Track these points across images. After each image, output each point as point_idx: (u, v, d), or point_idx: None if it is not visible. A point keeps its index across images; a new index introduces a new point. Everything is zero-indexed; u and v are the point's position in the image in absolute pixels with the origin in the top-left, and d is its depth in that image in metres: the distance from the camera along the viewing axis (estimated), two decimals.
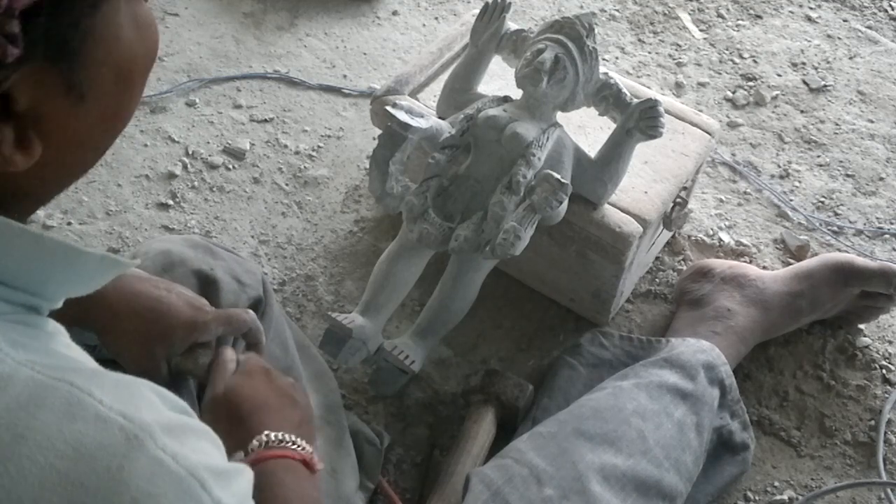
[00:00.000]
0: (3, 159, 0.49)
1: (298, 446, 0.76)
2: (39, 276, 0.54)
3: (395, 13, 1.82)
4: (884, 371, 1.29)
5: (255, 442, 0.74)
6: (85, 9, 0.49)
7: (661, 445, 1.05)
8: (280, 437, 0.75)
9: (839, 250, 1.42)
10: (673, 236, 1.43)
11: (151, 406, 0.50)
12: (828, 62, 1.75)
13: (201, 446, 0.51)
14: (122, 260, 0.58)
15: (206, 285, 0.94)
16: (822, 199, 1.51)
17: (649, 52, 1.76)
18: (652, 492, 1.02)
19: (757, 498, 1.17)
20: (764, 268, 1.36)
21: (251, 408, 0.78)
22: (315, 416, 0.91)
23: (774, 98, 1.67)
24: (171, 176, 1.50)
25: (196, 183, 1.49)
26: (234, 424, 0.77)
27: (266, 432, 0.75)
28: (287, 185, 1.50)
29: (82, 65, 0.51)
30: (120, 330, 0.82)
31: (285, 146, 1.56)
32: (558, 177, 1.09)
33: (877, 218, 1.49)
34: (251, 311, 0.88)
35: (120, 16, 0.52)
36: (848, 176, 1.55)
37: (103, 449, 0.46)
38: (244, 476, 0.53)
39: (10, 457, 0.45)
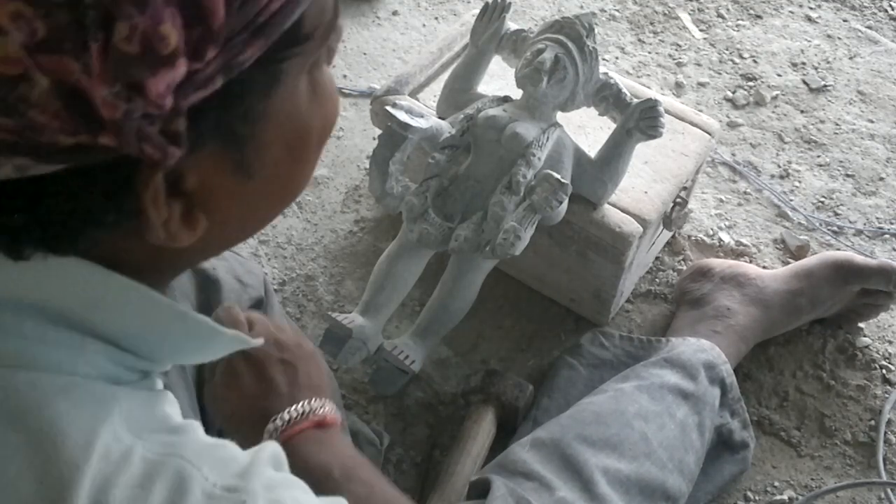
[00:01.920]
0: (170, 235, 0.48)
1: (308, 411, 0.77)
2: (172, 349, 0.55)
3: (395, 13, 1.82)
4: (884, 371, 1.29)
5: (270, 426, 0.76)
6: (258, 97, 0.48)
7: (665, 447, 1.05)
8: (288, 415, 0.76)
9: (839, 250, 1.42)
10: (673, 236, 1.43)
11: (252, 473, 0.51)
12: (828, 62, 1.75)
13: (295, 497, 0.53)
14: (251, 340, 0.59)
15: (208, 285, 0.95)
16: (822, 199, 1.51)
17: (649, 52, 1.76)
18: (657, 494, 1.03)
19: (757, 498, 1.17)
20: (764, 268, 1.36)
21: (258, 391, 0.78)
22: None
23: (774, 98, 1.67)
24: None
25: None
26: (241, 409, 0.79)
27: (280, 415, 0.76)
28: None
29: (253, 145, 0.49)
30: None
31: None
32: (558, 177, 1.09)
33: (877, 218, 1.49)
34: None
35: (298, 92, 0.50)
36: (848, 176, 1.55)
37: None
38: None
39: None
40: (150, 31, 0.40)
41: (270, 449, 0.55)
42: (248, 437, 0.76)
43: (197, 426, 0.54)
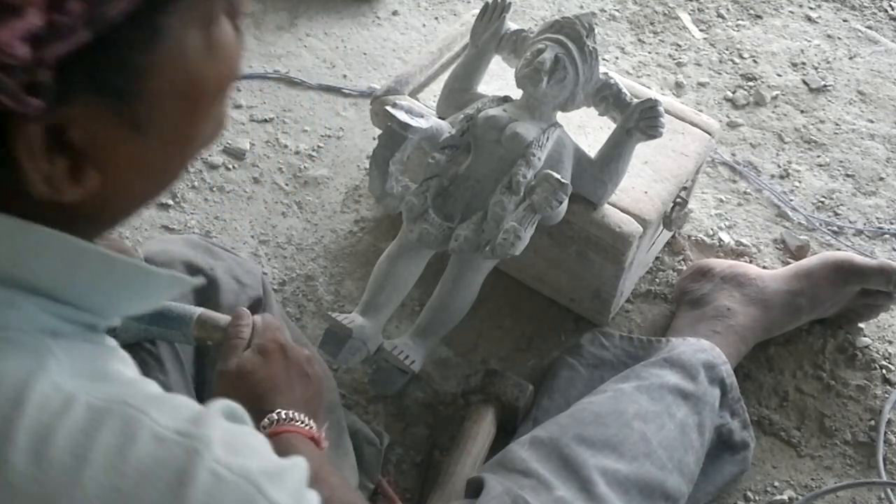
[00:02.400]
0: (54, 189, 0.48)
1: (307, 425, 0.79)
2: (107, 297, 0.54)
3: (395, 13, 1.82)
4: (884, 371, 1.29)
5: (266, 420, 0.77)
6: (136, 51, 0.47)
7: (664, 447, 1.05)
8: (291, 415, 0.78)
9: (839, 250, 1.42)
10: (673, 236, 1.43)
11: (204, 420, 0.50)
12: (828, 62, 1.75)
13: (252, 447, 0.52)
14: (188, 279, 0.59)
15: (206, 286, 0.95)
16: (822, 199, 1.51)
17: (649, 52, 1.76)
18: (656, 494, 1.03)
19: (757, 498, 1.17)
20: (764, 268, 1.36)
21: (265, 388, 0.80)
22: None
23: (774, 98, 1.67)
24: None
25: (196, 183, 1.49)
26: (246, 401, 0.79)
27: (278, 411, 0.78)
28: (287, 185, 1.50)
29: (139, 99, 0.48)
30: None
31: (285, 146, 1.56)
32: (558, 177, 1.09)
33: (877, 218, 1.49)
34: (139, 251, 0.90)
35: (187, 46, 0.49)
36: (848, 176, 1.55)
37: (162, 466, 0.47)
38: (297, 469, 0.54)
39: (75, 480, 0.45)
40: None
41: (224, 402, 0.55)
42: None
43: (149, 381, 0.53)
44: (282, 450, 0.74)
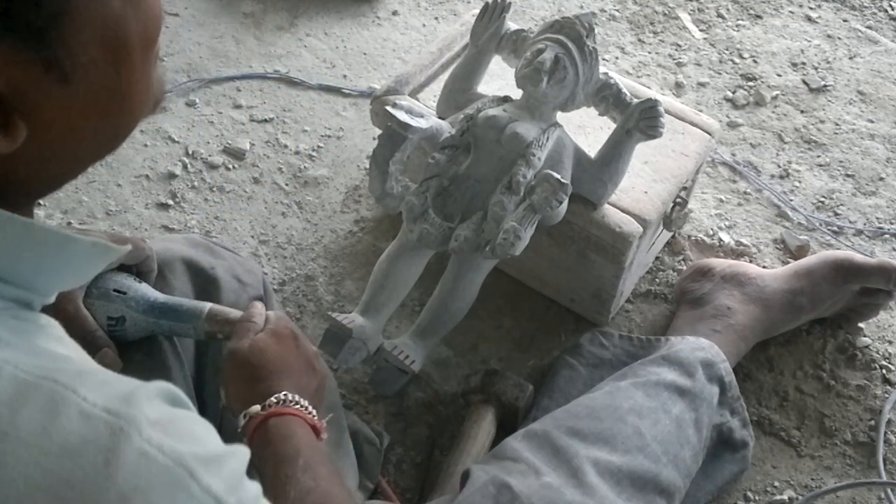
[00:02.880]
0: None
1: (310, 412, 0.80)
2: (31, 267, 0.53)
3: (395, 13, 1.82)
4: (884, 371, 1.29)
5: (273, 399, 0.79)
6: None
7: (659, 441, 1.05)
8: (297, 398, 0.79)
9: (839, 249, 1.42)
10: (673, 236, 1.43)
11: (136, 399, 0.49)
12: (828, 62, 1.75)
13: (190, 432, 0.51)
14: (113, 246, 0.57)
15: (207, 284, 0.95)
16: (822, 199, 1.51)
17: (649, 52, 1.76)
18: (649, 486, 1.02)
19: (757, 498, 1.17)
20: (764, 268, 1.36)
21: (275, 368, 0.81)
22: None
23: (774, 98, 1.67)
24: (171, 176, 1.50)
25: (196, 183, 1.49)
26: (255, 380, 0.81)
27: (285, 392, 0.79)
28: (287, 185, 1.50)
29: (59, 43, 0.48)
30: None
31: (285, 146, 1.56)
32: (558, 177, 1.09)
33: (877, 218, 1.49)
34: (147, 242, 0.90)
35: None
36: (848, 176, 1.55)
37: (88, 444, 0.46)
38: (237, 457, 0.53)
39: None
40: None
41: (164, 385, 0.53)
42: (255, 397, 0.79)
43: (86, 358, 0.52)
44: (282, 431, 0.77)
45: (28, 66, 0.47)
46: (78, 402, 0.47)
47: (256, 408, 0.79)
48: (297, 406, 0.79)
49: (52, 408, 0.46)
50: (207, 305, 0.88)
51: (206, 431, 0.53)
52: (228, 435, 0.92)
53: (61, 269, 0.55)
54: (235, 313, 0.88)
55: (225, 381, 0.83)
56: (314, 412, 0.81)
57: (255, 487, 0.53)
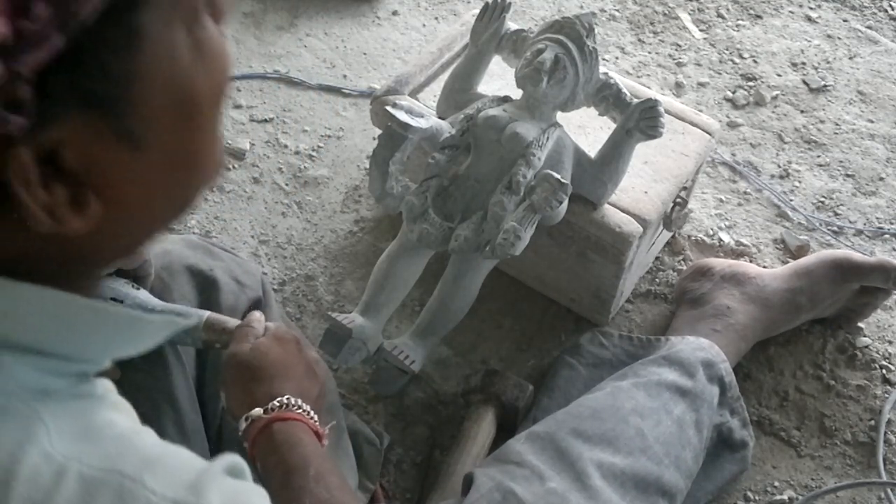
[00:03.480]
0: (57, 222, 0.44)
1: (312, 417, 0.80)
2: (100, 347, 0.52)
3: (395, 13, 1.82)
4: (884, 371, 1.29)
5: (276, 402, 0.78)
6: (118, 55, 0.43)
7: (661, 442, 1.05)
8: (299, 403, 0.79)
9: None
10: (673, 236, 1.43)
11: (203, 487, 0.48)
12: (828, 62, 1.75)
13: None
14: (186, 322, 0.57)
15: (206, 286, 0.95)
16: (822, 199, 1.51)
17: (649, 52, 1.76)
18: (652, 488, 1.02)
19: (757, 498, 1.17)
20: (764, 268, 1.36)
21: (277, 371, 0.81)
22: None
23: (774, 98, 1.67)
24: None
25: None
26: (256, 382, 0.80)
27: (288, 396, 0.79)
28: (287, 185, 1.50)
29: (131, 110, 0.45)
30: None
31: (285, 146, 1.56)
32: (558, 177, 1.09)
33: (877, 218, 1.49)
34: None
35: (173, 49, 0.46)
36: (848, 176, 1.55)
37: None
38: None
39: None
40: None
41: (228, 458, 0.53)
42: (256, 401, 0.79)
43: (145, 432, 0.51)
44: (288, 438, 0.76)
45: (99, 138, 0.44)
46: (147, 495, 0.45)
47: (258, 411, 0.78)
48: (300, 411, 0.79)
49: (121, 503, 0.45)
50: (205, 314, 0.88)
51: (263, 501, 0.52)
52: (228, 437, 0.93)
53: (128, 345, 0.54)
54: (233, 322, 0.87)
55: (225, 385, 0.83)
56: (316, 417, 0.80)
57: None
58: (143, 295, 0.87)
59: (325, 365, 1.09)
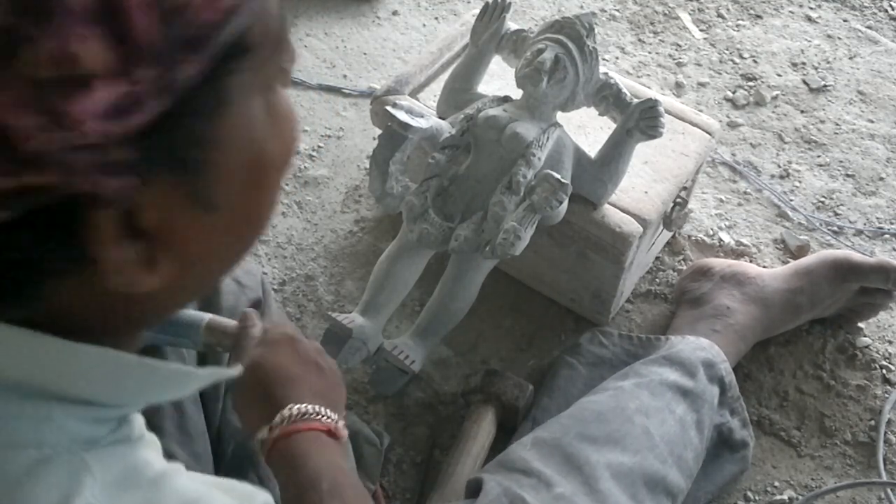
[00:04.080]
0: (128, 281, 0.44)
1: (323, 416, 0.76)
2: (146, 398, 0.52)
3: (395, 13, 1.82)
4: (884, 371, 1.29)
5: (277, 418, 0.75)
6: (207, 119, 0.44)
7: (666, 442, 1.05)
8: (304, 409, 0.75)
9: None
10: (673, 236, 1.43)
11: None
12: (828, 62, 1.75)
13: None
14: (227, 372, 0.57)
15: None
16: (822, 199, 1.51)
17: (649, 52, 1.76)
18: (658, 487, 1.02)
19: (757, 498, 1.17)
20: (764, 268, 1.36)
21: (275, 381, 0.78)
22: None
23: (774, 98, 1.67)
24: None
25: None
26: (260, 399, 0.78)
27: (290, 406, 0.75)
28: (287, 185, 1.50)
29: (210, 174, 0.45)
30: None
31: None
32: (558, 177, 1.09)
33: (877, 218, 1.49)
34: None
35: (252, 114, 0.46)
36: (848, 176, 1.55)
37: None
38: None
39: None
40: (60, 51, 0.37)
41: (262, 499, 0.53)
42: (262, 418, 0.76)
43: (178, 470, 0.51)
44: (296, 454, 0.73)
45: (178, 200, 0.45)
46: None
47: (264, 431, 0.75)
48: (305, 417, 0.75)
49: None
50: (206, 317, 0.87)
51: None
52: (227, 437, 0.93)
53: (173, 393, 0.55)
54: (233, 324, 0.86)
55: (237, 409, 0.81)
56: (327, 413, 0.77)
57: None
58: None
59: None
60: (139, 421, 0.54)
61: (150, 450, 0.53)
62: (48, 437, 0.46)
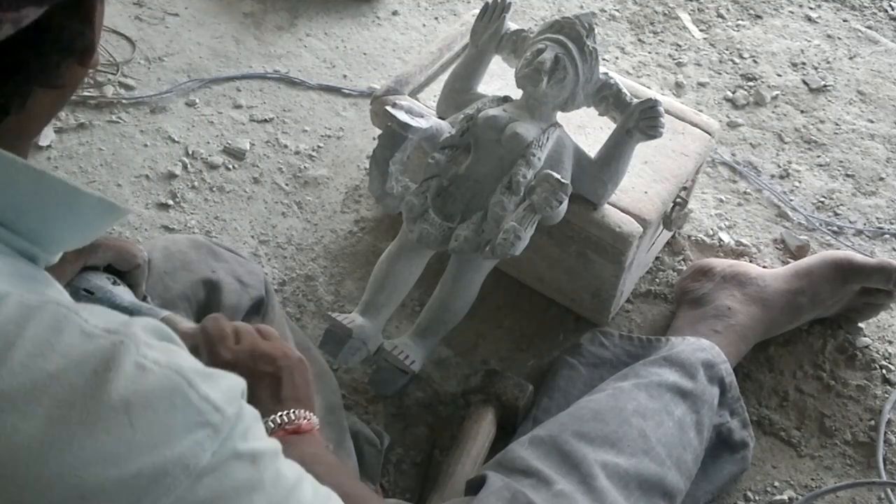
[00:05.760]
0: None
1: (284, 423, 0.73)
2: (39, 218, 0.56)
3: (395, 13, 1.82)
4: (884, 371, 1.29)
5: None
6: None
7: (663, 444, 1.05)
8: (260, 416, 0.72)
9: (839, 249, 1.42)
10: (673, 236, 1.43)
11: (134, 325, 0.52)
12: (828, 62, 1.75)
13: (185, 356, 0.53)
14: (119, 205, 0.59)
15: (209, 287, 0.95)
16: (822, 199, 1.51)
17: (649, 52, 1.76)
18: (655, 490, 1.02)
19: (757, 498, 1.17)
20: (764, 268, 1.36)
21: None
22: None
23: (774, 98, 1.67)
24: (171, 176, 1.50)
25: (196, 183, 1.49)
26: None
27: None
28: (287, 185, 1.50)
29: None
30: None
31: (285, 146, 1.56)
32: (558, 177, 1.09)
33: (877, 218, 1.49)
34: (144, 253, 0.87)
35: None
36: (848, 176, 1.55)
37: (89, 356, 0.49)
38: (231, 378, 0.54)
39: (3, 362, 0.48)
40: None
41: (150, 321, 0.55)
42: None
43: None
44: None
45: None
46: (80, 322, 0.50)
47: None
48: (275, 427, 0.72)
49: (55, 325, 0.49)
50: (163, 313, 0.85)
51: (191, 359, 0.54)
52: None
53: (68, 224, 0.58)
54: (188, 323, 0.83)
55: None
56: (298, 415, 0.73)
57: (252, 409, 0.55)
58: (120, 291, 0.84)
59: (323, 361, 1.08)
60: (51, 279, 0.59)
61: (54, 289, 0.58)
62: None
